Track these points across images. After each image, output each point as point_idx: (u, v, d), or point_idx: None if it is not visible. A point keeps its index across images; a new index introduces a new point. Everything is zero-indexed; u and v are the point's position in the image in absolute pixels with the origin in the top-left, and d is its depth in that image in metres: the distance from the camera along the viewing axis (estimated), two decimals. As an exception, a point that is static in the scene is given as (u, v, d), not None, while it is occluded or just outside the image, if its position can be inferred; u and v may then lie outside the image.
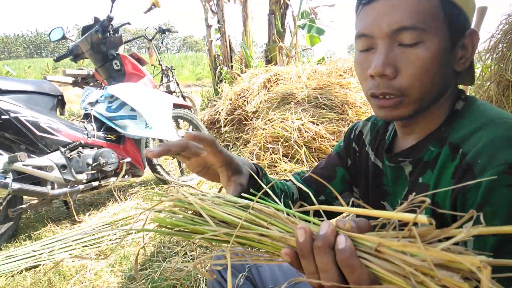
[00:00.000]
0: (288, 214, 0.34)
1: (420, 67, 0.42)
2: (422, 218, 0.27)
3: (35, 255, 1.37)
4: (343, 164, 0.65)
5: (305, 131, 2.26)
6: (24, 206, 1.53)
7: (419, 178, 0.47)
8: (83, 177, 1.62)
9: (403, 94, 0.44)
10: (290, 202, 0.61)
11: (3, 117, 1.42)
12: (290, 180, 0.68)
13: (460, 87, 0.73)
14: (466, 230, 0.25)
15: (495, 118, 0.41)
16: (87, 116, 1.85)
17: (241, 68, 4.22)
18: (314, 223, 0.33)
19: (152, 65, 2.75)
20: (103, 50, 1.87)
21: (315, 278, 0.31)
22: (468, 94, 0.49)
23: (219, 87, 3.74)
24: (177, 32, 2.90)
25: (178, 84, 2.85)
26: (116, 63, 1.89)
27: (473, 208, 0.37)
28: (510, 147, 0.36)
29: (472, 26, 0.47)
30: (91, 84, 2.52)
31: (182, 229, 0.35)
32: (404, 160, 0.49)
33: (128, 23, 2.15)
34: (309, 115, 2.38)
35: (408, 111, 0.45)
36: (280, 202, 0.60)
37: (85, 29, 1.94)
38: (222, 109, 3.05)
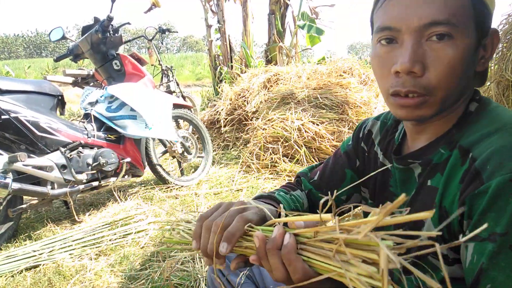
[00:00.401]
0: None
1: (449, 65, 0.41)
2: (326, 216, 0.32)
3: (35, 255, 1.37)
4: (351, 165, 0.63)
5: (305, 131, 2.26)
6: (24, 206, 1.53)
7: (427, 181, 0.46)
8: (83, 177, 1.62)
9: (429, 93, 0.42)
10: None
11: (3, 117, 1.42)
12: (298, 187, 0.66)
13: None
14: (377, 216, 0.29)
15: (508, 123, 0.40)
16: (87, 116, 1.85)
17: (241, 68, 4.22)
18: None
19: (152, 65, 2.75)
20: (103, 50, 1.87)
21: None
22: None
23: (219, 87, 3.74)
24: (177, 32, 2.90)
25: (178, 84, 2.85)
26: (116, 63, 1.89)
27: (478, 212, 0.37)
28: None
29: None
30: (91, 84, 2.52)
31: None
32: (414, 162, 0.48)
33: (128, 23, 2.15)
34: (309, 115, 2.38)
35: (430, 112, 0.43)
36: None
37: (85, 29, 1.94)
38: (222, 109, 3.05)
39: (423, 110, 0.43)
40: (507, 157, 0.36)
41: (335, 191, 0.65)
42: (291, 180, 1.59)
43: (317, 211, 0.61)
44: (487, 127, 0.42)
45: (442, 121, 0.46)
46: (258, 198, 0.58)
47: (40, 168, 1.50)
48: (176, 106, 2.14)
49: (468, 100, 0.46)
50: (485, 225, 0.29)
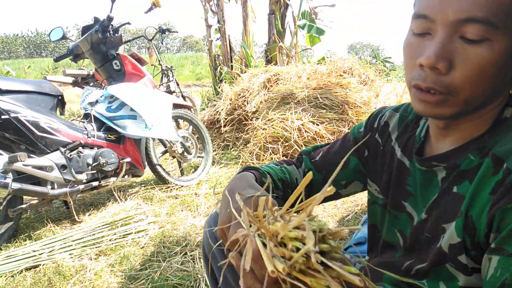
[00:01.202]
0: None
1: (478, 69, 0.37)
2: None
3: (35, 255, 1.37)
4: (358, 153, 0.61)
5: (305, 131, 2.26)
6: (24, 206, 1.53)
7: (453, 187, 0.44)
8: (83, 177, 1.62)
9: (450, 93, 0.39)
10: (290, 191, 0.60)
11: (3, 117, 1.42)
12: (295, 164, 0.64)
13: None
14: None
15: None
16: (87, 116, 1.85)
17: (241, 68, 4.22)
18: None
19: (152, 65, 2.75)
20: (103, 50, 1.87)
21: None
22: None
23: (219, 87, 3.74)
24: (177, 32, 2.91)
25: (178, 84, 2.85)
26: (116, 63, 1.89)
27: (509, 228, 0.35)
28: None
29: None
30: (91, 84, 2.52)
31: None
32: (439, 165, 0.46)
33: (128, 23, 2.15)
34: (309, 115, 2.38)
35: (450, 112, 0.41)
36: (279, 195, 0.58)
37: (85, 29, 1.94)
38: (222, 109, 3.05)
39: (443, 108, 0.41)
40: None
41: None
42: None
43: (309, 191, 0.58)
44: None
45: (471, 124, 0.44)
46: (242, 171, 0.56)
47: (40, 168, 1.50)
48: (176, 106, 2.13)
49: (504, 105, 0.43)
50: None
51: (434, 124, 0.48)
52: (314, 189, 0.65)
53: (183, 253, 1.35)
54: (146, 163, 1.97)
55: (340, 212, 1.59)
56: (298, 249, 0.31)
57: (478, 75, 0.38)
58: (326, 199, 0.67)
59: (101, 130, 1.80)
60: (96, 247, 1.42)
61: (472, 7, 0.36)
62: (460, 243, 0.42)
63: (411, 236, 0.50)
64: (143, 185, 2.18)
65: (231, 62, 4.46)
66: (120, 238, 1.49)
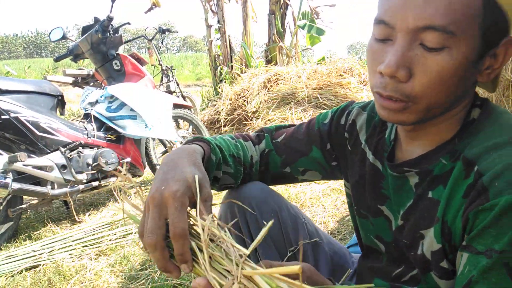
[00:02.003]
0: None
1: (438, 77, 0.37)
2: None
3: (35, 255, 1.36)
4: (321, 146, 0.60)
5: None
6: (24, 206, 1.53)
7: (428, 192, 0.44)
8: (83, 177, 1.62)
9: (411, 100, 0.39)
10: (241, 168, 0.59)
11: (3, 117, 1.42)
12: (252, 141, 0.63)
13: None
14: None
15: None
16: (87, 116, 1.85)
17: (241, 68, 4.22)
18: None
19: (152, 65, 2.75)
20: (103, 50, 1.87)
21: None
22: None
23: (219, 87, 3.74)
24: (177, 32, 2.91)
25: (178, 84, 2.84)
26: (116, 63, 1.89)
27: (479, 227, 0.36)
28: None
29: None
30: (91, 84, 2.52)
31: None
32: (410, 170, 0.46)
33: (128, 23, 2.15)
34: (309, 115, 2.38)
35: (413, 118, 0.41)
36: (231, 175, 0.58)
37: (85, 29, 1.94)
38: (222, 109, 3.05)
39: (405, 115, 0.41)
40: None
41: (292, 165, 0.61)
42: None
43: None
44: (493, 138, 0.39)
45: (439, 127, 0.44)
46: (185, 144, 0.54)
47: (40, 168, 1.50)
48: (176, 106, 2.13)
49: (470, 106, 0.43)
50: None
51: (402, 128, 0.48)
52: (270, 171, 0.64)
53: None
54: (146, 163, 1.97)
55: (341, 212, 1.59)
56: None
57: (438, 83, 0.38)
58: (283, 182, 0.66)
59: (101, 130, 1.80)
60: (96, 247, 1.42)
61: (431, 15, 0.36)
62: (440, 249, 0.42)
63: (393, 241, 0.50)
64: (143, 185, 2.18)
65: (231, 62, 4.45)
66: (120, 238, 1.49)
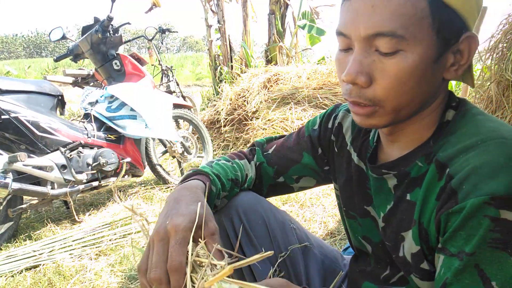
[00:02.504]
0: None
1: (397, 79, 0.39)
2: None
3: (35, 255, 1.36)
4: (312, 151, 0.61)
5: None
6: (24, 206, 1.53)
7: (406, 195, 0.45)
8: (83, 177, 1.62)
9: (376, 104, 0.41)
10: (238, 189, 0.61)
11: (3, 117, 1.42)
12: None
13: (462, 85, 0.68)
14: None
15: (488, 137, 0.38)
16: (87, 116, 1.85)
17: (241, 68, 4.22)
18: None
19: (152, 65, 2.75)
20: (103, 50, 1.87)
21: None
22: (465, 95, 0.47)
23: (219, 87, 3.74)
24: (177, 32, 2.90)
25: (178, 84, 2.84)
26: (116, 63, 1.89)
27: (450, 230, 0.37)
28: (496, 177, 0.35)
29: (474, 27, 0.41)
30: (91, 84, 2.52)
31: None
32: (388, 173, 0.47)
33: (128, 23, 2.15)
34: (309, 115, 2.38)
35: (382, 122, 0.42)
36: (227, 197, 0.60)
37: (85, 29, 1.93)
38: (222, 109, 3.05)
39: (375, 119, 0.42)
40: (482, 178, 0.35)
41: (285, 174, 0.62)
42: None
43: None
44: (464, 140, 0.40)
45: (415, 129, 0.44)
46: (185, 179, 0.55)
47: (40, 168, 1.50)
48: (176, 106, 2.13)
49: (444, 107, 0.44)
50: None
51: (381, 130, 0.49)
52: (264, 182, 0.65)
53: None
54: (146, 163, 1.97)
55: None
56: None
57: (398, 85, 0.39)
58: (279, 193, 0.68)
59: (101, 130, 1.80)
60: (96, 247, 1.42)
61: (379, 21, 0.37)
62: (419, 250, 0.43)
63: (380, 242, 0.51)
64: (143, 185, 2.18)
65: (231, 62, 4.45)
66: (120, 238, 1.49)
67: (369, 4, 0.38)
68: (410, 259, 0.44)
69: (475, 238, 0.35)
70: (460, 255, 0.36)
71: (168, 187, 2.04)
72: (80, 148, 1.66)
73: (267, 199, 0.66)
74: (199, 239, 0.42)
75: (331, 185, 2.11)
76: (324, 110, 0.64)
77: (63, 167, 1.57)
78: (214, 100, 3.55)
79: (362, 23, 0.39)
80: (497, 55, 1.43)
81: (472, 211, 0.35)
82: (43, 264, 1.32)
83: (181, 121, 2.31)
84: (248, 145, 2.56)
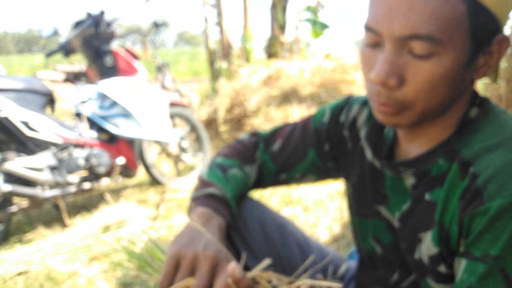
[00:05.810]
0: None
1: (429, 83, 0.38)
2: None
3: (26, 260, 1.32)
4: (318, 146, 0.58)
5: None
6: (13, 207, 1.48)
7: (425, 194, 0.43)
8: (74, 178, 1.57)
9: (405, 107, 0.40)
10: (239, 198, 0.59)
11: (-10, 116, 1.36)
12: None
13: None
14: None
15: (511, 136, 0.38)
16: (79, 114, 1.78)
17: (240, 64, 4.14)
18: None
19: (146, 61, 2.67)
20: (95, 45, 1.81)
21: None
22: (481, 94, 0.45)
23: (217, 84, 3.66)
24: (172, 26, 2.83)
25: (174, 81, 2.77)
26: (108, 59, 1.83)
27: (475, 232, 0.36)
28: None
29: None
30: (83, 80, 2.45)
31: None
32: (406, 171, 0.45)
33: (122, 18, 2.08)
34: (310, 113, 2.32)
35: (408, 121, 0.41)
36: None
37: (78, 24, 1.87)
38: (220, 107, 2.99)
39: (401, 118, 0.41)
40: (509, 178, 0.35)
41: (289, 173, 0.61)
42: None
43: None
44: (489, 138, 0.39)
45: (438, 127, 0.44)
46: (207, 196, 0.53)
47: (30, 169, 1.45)
48: (172, 104, 2.07)
49: (468, 104, 0.43)
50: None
51: (399, 128, 0.48)
52: (265, 179, 0.63)
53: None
54: (139, 164, 1.92)
55: (345, 216, 1.54)
56: None
57: (430, 89, 0.38)
58: (277, 186, 0.67)
59: (94, 129, 1.74)
60: (88, 252, 1.37)
61: (416, 23, 0.36)
62: (438, 253, 0.42)
63: (391, 243, 0.50)
64: (137, 187, 2.12)
65: (230, 57, 4.37)
66: (113, 243, 1.44)
67: (406, 3, 0.36)
68: (427, 261, 0.43)
69: (500, 240, 0.34)
70: (485, 259, 0.35)
71: (164, 189, 1.99)
72: (72, 148, 1.60)
73: (267, 200, 0.64)
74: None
75: (337, 189, 2.05)
76: (333, 102, 0.60)
77: (54, 168, 1.53)
78: (212, 98, 3.48)
79: (397, 22, 0.37)
80: (507, 53, 1.38)
81: (498, 212, 0.34)
82: (35, 269, 1.28)
83: (177, 119, 2.24)
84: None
